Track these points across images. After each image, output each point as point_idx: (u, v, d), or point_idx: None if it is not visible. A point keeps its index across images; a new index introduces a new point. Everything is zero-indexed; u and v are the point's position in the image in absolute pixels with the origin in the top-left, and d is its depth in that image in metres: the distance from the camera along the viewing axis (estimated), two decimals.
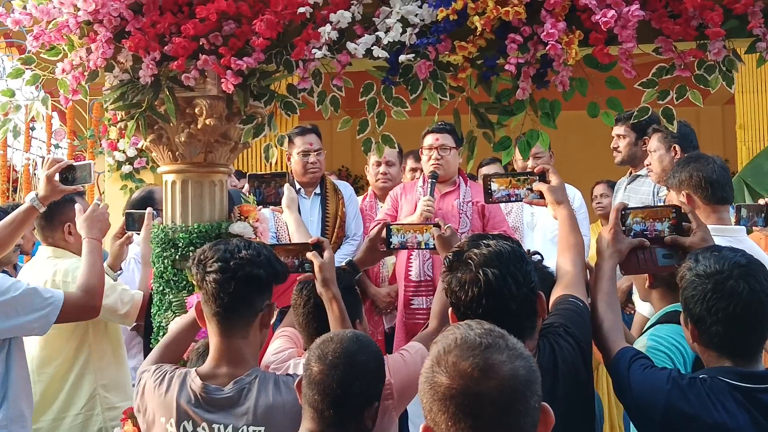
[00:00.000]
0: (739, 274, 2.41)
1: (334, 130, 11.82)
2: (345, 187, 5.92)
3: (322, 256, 3.13)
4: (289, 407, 2.65)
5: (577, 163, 9.45)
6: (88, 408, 4.17)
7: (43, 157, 8.81)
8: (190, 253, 3.30)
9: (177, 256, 3.66)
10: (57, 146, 9.85)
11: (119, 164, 7.79)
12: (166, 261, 3.69)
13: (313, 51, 3.27)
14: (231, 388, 2.68)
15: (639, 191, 5.45)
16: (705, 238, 2.89)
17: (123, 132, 7.18)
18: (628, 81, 3.22)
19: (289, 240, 4.31)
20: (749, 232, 3.89)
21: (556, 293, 2.81)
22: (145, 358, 3.25)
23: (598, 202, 6.94)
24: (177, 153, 3.73)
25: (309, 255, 3.15)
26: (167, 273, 3.69)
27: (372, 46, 3.24)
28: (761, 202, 3.70)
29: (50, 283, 4.00)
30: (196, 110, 3.59)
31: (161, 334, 3.65)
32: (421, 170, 5.53)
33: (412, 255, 5.10)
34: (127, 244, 4.48)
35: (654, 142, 5.05)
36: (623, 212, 2.99)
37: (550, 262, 3.20)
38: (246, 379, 2.69)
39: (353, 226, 5.72)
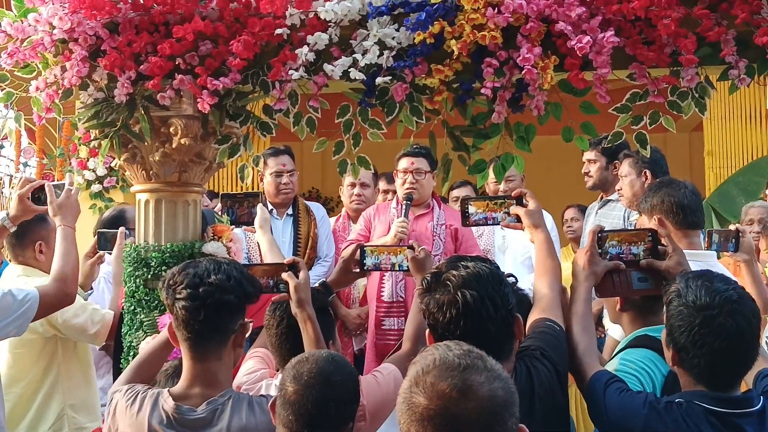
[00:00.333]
0: (728, 311, 2.38)
1: (305, 151, 11.82)
2: (317, 209, 5.91)
3: (297, 277, 3.12)
4: (263, 428, 2.62)
5: (546, 188, 9.49)
6: (56, 428, 4.11)
7: (11, 176, 8.71)
8: (163, 273, 3.27)
9: (149, 276, 3.64)
10: (26, 164, 9.76)
11: (89, 183, 7.72)
12: (138, 280, 3.67)
13: (290, 72, 3.28)
14: (204, 409, 2.65)
15: (610, 216, 5.48)
16: (680, 262, 2.91)
17: (95, 151, 7.14)
18: (602, 106, 3.25)
19: (261, 260, 4.30)
20: (719, 257, 3.93)
21: (533, 317, 2.81)
22: (114, 379, 3.21)
23: (569, 226, 6.97)
24: (151, 172, 3.72)
25: (284, 275, 3.13)
26: (139, 292, 3.67)
27: (349, 68, 3.25)
28: (732, 227, 3.75)
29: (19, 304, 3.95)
30: (171, 129, 3.59)
31: (132, 354, 3.62)
32: (394, 192, 5.53)
33: (384, 276, 5.09)
34: (98, 263, 4.44)
35: (625, 167, 5.09)
36: (600, 235, 3.00)
37: (521, 285, 3.20)
38: (219, 399, 2.66)
39: (325, 248, 5.71)
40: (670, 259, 2.93)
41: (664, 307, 2.54)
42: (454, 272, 2.45)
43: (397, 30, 3.27)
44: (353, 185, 5.89)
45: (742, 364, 2.47)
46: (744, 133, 8.72)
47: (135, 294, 3.68)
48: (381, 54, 3.25)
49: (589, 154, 5.61)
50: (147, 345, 3.17)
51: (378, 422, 2.98)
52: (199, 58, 3.37)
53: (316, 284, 3.48)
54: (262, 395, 2.83)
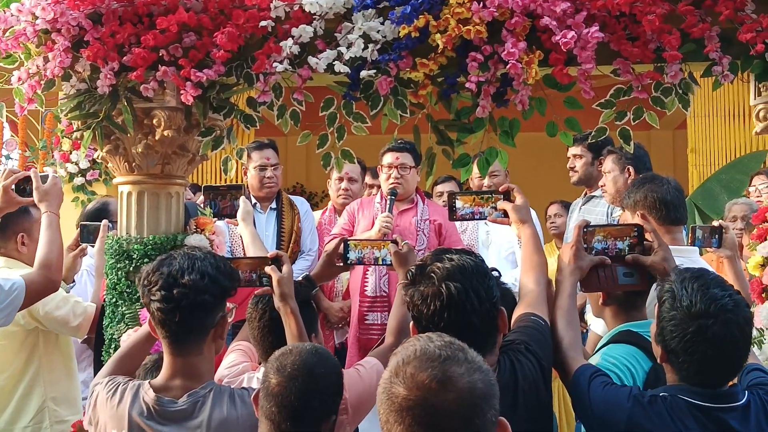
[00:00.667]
0: (723, 321, 2.36)
1: (290, 146, 11.81)
2: (301, 203, 5.89)
3: (280, 271, 3.12)
4: (244, 421, 2.62)
5: (530, 184, 9.51)
6: (37, 421, 4.09)
7: None
8: (145, 266, 3.26)
9: (131, 268, 3.62)
10: (8, 157, 9.69)
11: (71, 176, 7.67)
12: (119, 273, 3.65)
13: (274, 65, 3.27)
14: (185, 401, 2.64)
15: (594, 212, 5.49)
16: (666, 258, 2.91)
17: (78, 143, 7.09)
18: (587, 101, 3.26)
19: (244, 253, 4.28)
20: (701, 253, 3.94)
21: (519, 311, 2.81)
22: (95, 372, 3.19)
23: (552, 222, 6.98)
24: (134, 164, 3.70)
25: (268, 269, 3.12)
26: (120, 285, 3.65)
27: (333, 61, 3.25)
28: (715, 223, 3.76)
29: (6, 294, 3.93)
30: (154, 121, 3.57)
31: (113, 346, 3.61)
32: (378, 187, 5.53)
33: (368, 270, 5.10)
34: (80, 256, 4.42)
35: (608, 164, 5.11)
36: (585, 230, 3.00)
37: (504, 280, 3.20)
38: (200, 392, 2.65)
39: (308, 242, 5.70)
40: (655, 254, 2.93)
41: (656, 305, 2.53)
42: (439, 264, 2.45)
43: (382, 23, 3.27)
44: (341, 179, 5.88)
45: (732, 371, 2.47)
46: (727, 130, 8.77)
47: (117, 286, 3.66)
48: (366, 47, 3.25)
49: (575, 149, 5.62)
50: (129, 338, 3.16)
51: (360, 416, 2.98)
52: (183, 49, 3.36)
53: (299, 278, 3.47)
54: (243, 388, 2.82)
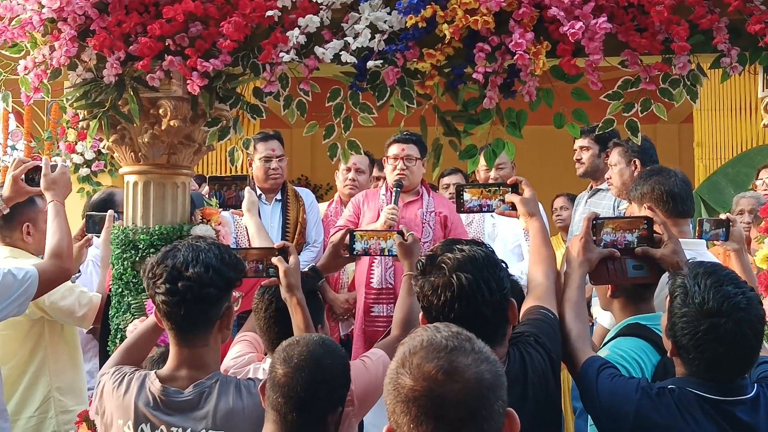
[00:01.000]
0: (736, 320, 2.36)
1: (295, 139, 11.79)
2: (306, 194, 5.90)
3: (287, 261, 3.11)
4: (250, 411, 2.62)
5: (536, 177, 9.51)
6: (42, 411, 4.10)
7: None
8: (151, 256, 3.25)
9: (137, 258, 3.62)
10: (14, 148, 9.69)
11: (77, 167, 7.67)
12: (125, 263, 3.65)
13: (281, 55, 3.26)
14: (191, 392, 2.64)
15: (600, 205, 5.49)
16: (676, 250, 2.90)
17: (83, 134, 7.09)
18: (594, 93, 3.25)
19: (249, 244, 4.28)
20: (708, 246, 3.93)
21: (528, 304, 2.80)
22: (100, 362, 3.19)
23: (558, 215, 6.98)
24: (140, 154, 3.69)
25: (274, 260, 3.12)
26: (126, 275, 3.65)
27: (340, 51, 3.24)
28: (722, 216, 3.74)
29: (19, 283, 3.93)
30: (161, 111, 3.56)
31: (119, 337, 3.61)
32: (384, 179, 5.52)
33: (374, 262, 5.09)
34: (86, 246, 4.41)
35: (614, 156, 5.09)
36: (594, 222, 2.99)
37: (511, 272, 3.19)
38: (207, 382, 2.66)
39: (313, 233, 5.70)
40: (665, 247, 2.93)
41: (667, 298, 2.51)
42: (450, 255, 2.44)
43: (389, 13, 3.25)
44: (348, 170, 5.88)
45: (743, 368, 2.46)
46: (733, 124, 8.75)
47: (123, 276, 3.66)
48: (372, 37, 3.23)
49: (582, 141, 5.61)
50: (136, 329, 3.16)
51: (366, 407, 2.98)
52: (189, 39, 3.35)
53: (305, 269, 3.47)
54: (249, 378, 2.83)
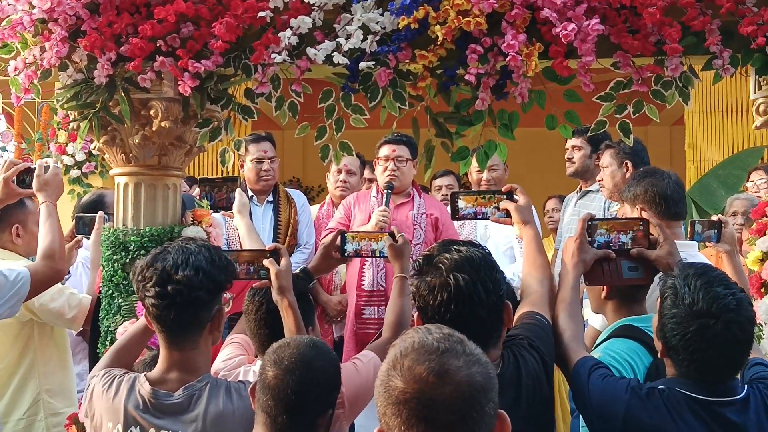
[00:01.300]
0: (726, 321, 2.35)
1: (286, 140, 11.78)
2: (298, 196, 5.88)
3: (278, 264, 3.10)
4: (240, 414, 2.61)
5: (529, 179, 9.53)
6: (31, 413, 4.08)
7: None
8: (141, 258, 3.24)
9: (127, 260, 3.60)
10: (4, 149, 9.66)
11: (67, 168, 7.65)
12: (116, 264, 3.63)
13: (273, 56, 3.25)
14: (181, 394, 2.63)
15: (589, 207, 5.48)
16: (671, 252, 2.90)
17: (74, 135, 7.07)
18: (586, 95, 3.24)
19: (240, 246, 4.27)
20: (699, 248, 3.93)
21: (522, 309, 2.80)
22: (90, 364, 3.17)
23: (550, 217, 6.99)
24: (130, 155, 3.68)
25: (266, 262, 3.10)
26: (117, 277, 3.64)
27: (332, 52, 3.23)
28: (714, 218, 3.75)
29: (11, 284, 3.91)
30: (152, 112, 3.55)
31: (109, 339, 3.60)
32: (375, 181, 5.52)
33: (365, 264, 5.08)
34: (76, 248, 4.40)
35: (606, 158, 5.10)
36: (590, 223, 2.99)
37: None
38: (197, 385, 2.64)
39: (305, 235, 5.68)
40: (660, 248, 2.92)
41: (658, 300, 2.51)
42: (447, 255, 2.44)
43: (382, 14, 3.25)
44: (339, 171, 5.87)
45: (733, 369, 2.46)
46: (725, 126, 8.78)
47: (113, 278, 3.64)
48: (365, 38, 3.23)
49: (574, 141, 5.61)
50: (126, 331, 3.14)
51: (357, 410, 2.97)
52: (181, 40, 3.34)
53: (296, 270, 3.46)
54: (240, 381, 2.81)
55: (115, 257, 3.64)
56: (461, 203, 3.24)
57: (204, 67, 3.29)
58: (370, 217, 5.07)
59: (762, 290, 3.62)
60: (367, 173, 6.13)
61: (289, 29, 3.25)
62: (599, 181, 5.21)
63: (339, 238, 3.39)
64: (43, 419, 4.12)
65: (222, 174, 7.37)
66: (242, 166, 5.75)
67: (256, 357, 3.21)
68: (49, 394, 4.15)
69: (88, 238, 4.30)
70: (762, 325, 3.53)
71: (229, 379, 2.88)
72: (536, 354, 2.57)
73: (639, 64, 3.20)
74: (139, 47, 3.30)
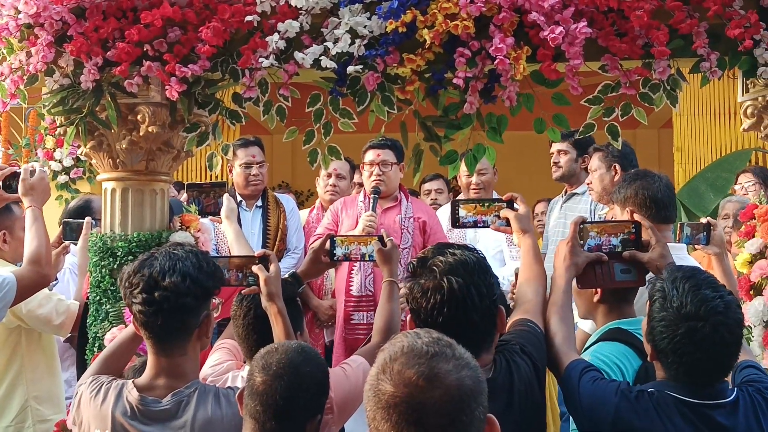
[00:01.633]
0: (714, 324, 2.35)
1: (275, 144, 11.76)
2: (287, 201, 5.86)
3: (268, 270, 3.08)
4: (228, 420, 2.59)
5: (517, 183, 9.55)
6: (19, 420, 4.05)
7: None
8: (129, 263, 3.22)
9: (115, 266, 3.59)
10: None
11: (55, 174, 7.63)
12: (103, 270, 3.62)
13: (260, 60, 3.25)
14: (169, 401, 2.61)
15: (575, 209, 5.49)
16: (663, 254, 2.90)
17: (62, 141, 7.05)
18: (574, 98, 3.25)
19: (229, 251, 4.26)
20: (689, 251, 3.93)
21: (516, 316, 2.79)
22: (78, 370, 3.15)
23: (539, 220, 6.99)
24: (117, 160, 3.67)
25: (255, 268, 3.08)
26: (104, 283, 3.62)
27: (320, 56, 3.23)
28: (703, 220, 3.75)
29: None
30: (139, 117, 3.54)
31: (97, 345, 3.58)
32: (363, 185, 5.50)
33: (353, 270, 5.07)
34: (63, 253, 4.37)
35: (595, 161, 5.10)
36: (581, 227, 2.99)
37: None
38: (185, 391, 2.62)
39: (294, 240, 5.66)
40: (653, 251, 2.92)
41: (647, 304, 2.51)
42: (441, 258, 2.43)
43: (369, 18, 3.25)
44: (329, 176, 5.85)
45: (721, 372, 2.45)
46: (713, 129, 8.80)
47: (100, 284, 3.63)
48: (352, 42, 3.23)
49: (560, 145, 5.62)
50: (115, 338, 3.12)
51: (346, 415, 2.95)
52: (168, 44, 3.33)
53: (285, 275, 3.45)
54: (229, 387, 2.80)
55: (102, 263, 3.62)
56: (462, 212, 3.24)
57: (191, 72, 3.28)
58: (357, 222, 5.05)
59: (751, 293, 3.63)
60: (356, 177, 6.12)
61: (276, 33, 3.25)
62: (588, 184, 5.21)
63: (328, 243, 3.38)
64: (31, 426, 4.09)
65: (210, 179, 7.34)
66: (231, 171, 5.74)
67: (245, 362, 3.20)
68: (37, 400, 4.12)
69: (75, 244, 4.28)
70: (751, 328, 3.53)
71: (217, 385, 2.87)
72: (528, 360, 2.57)
73: (627, 67, 3.22)
74: (125, 52, 3.29)
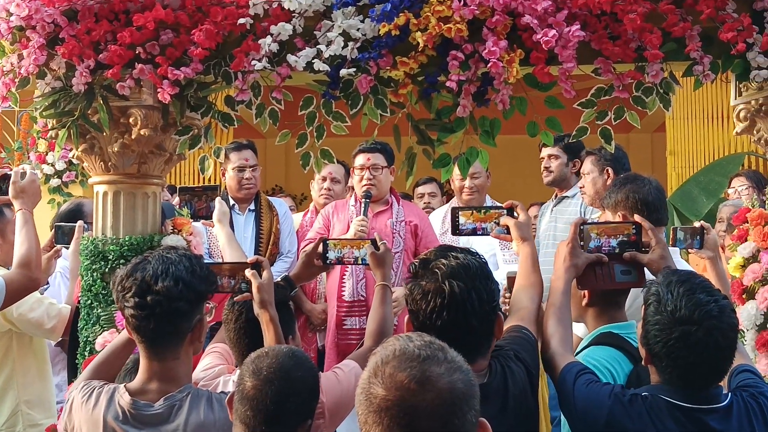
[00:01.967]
0: (708, 327, 2.35)
1: (269, 148, 11.75)
2: (280, 204, 5.85)
3: (260, 276, 3.07)
4: (221, 425, 2.58)
5: (510, 187, 9.57)
6: (10, 425, 4.03)
7: None
8: (121, 267, 3.21)
9: (107, 269, 3.58)
10: None
11: (47, 178, 7.62)
12: (95, 274, 3.61)
13: (253, 63, 3.25)
14: (161, 405, 2.60)
15: (565, 212, 5.50)
16: (664, 255, 2.90)
17: (53, 143, 7.03)
18: (567, 101, 3.25)
19: (221, 254, 4.25)
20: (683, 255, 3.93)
21: (510, 323, 2.79)
22: (69, 374, 3.13)
23: (532, 224, 6.97)
24: (109, 163, 3.66)
25: (248, 274, 3.07)
26: (96, 286, 3.61)
27: (313, 59, 3.23)
28: (696, 224, 3.75)
29: None
30: (131, 120, 3.53)
31: (88, 349, 3.57)
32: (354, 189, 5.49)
33: (345, 275, 5.05)
34: (55, 257, 4.36)
35: (587, 165, 5.10)
36: (582, 228, 2.99)
37: None
38: (177, 395, 2.61)
39: (287, 244, 5.65)
40: (653, 252, 2.93)
41: (642, 307, 2.51)
42: (444, 261, 2.43)
43: (362, 21, 3.24)
44: (324, 179, 5.84)
45: (715, 376, 2.45)
46: (706, 133, 8.80)
47: (92, 288, 3.62)
48: (345, 45, 3.22)
49: (551, 149, 5.62)
50: (109, 344, 3.11)
51: (338, 419, 2.94)
52: (160, 47, 3.32)
53: (278, 279, 3.44)
54: (222, 392, 2.79)
55: (94, 266, 3.61)
56: (462, 219, 3.24)
57: (183, 75, 3.28)
58: (348, 227, 5.04)
59: (744, 296, 3.63)
60: (351, 181, 6.11)
61: (269, 36, 3.24)
62: (581, 187, 5.22)
63: (321, 246, 3.37)
64: (23, 430, 4.07)
65: (202, 182, 7.33)
66: (223, 175, 5.73)
67: (236, 366, 3.19)
68: (28, 405, 4.11)
69: (67, 248, 4.26)
70: (744, 332, 3.53)
71: (209, 389, 2.86)
72: (522, 365, 2.57)
73: (620, 70, 3.21)
74: (117, 55, 3.29)
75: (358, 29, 3.22)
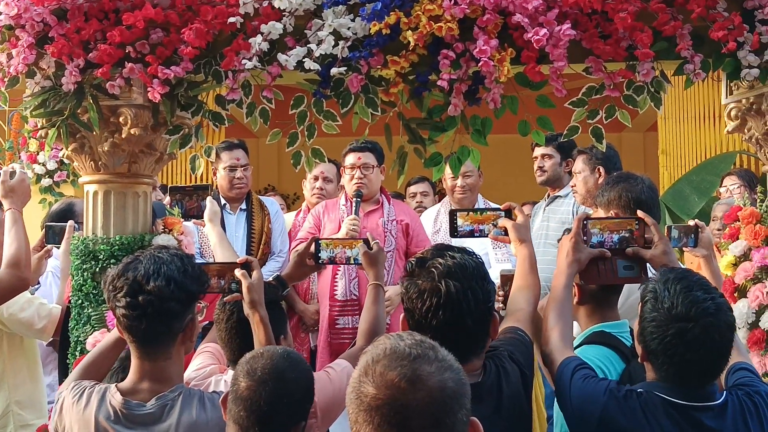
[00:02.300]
0: (704, 325, 2.35)
1: (261, 148, 11.74)
2: (271, 204, 5.84)
3: (250, 276, 3.06)
4: (213, 425, 2.58)
5: (502, 186, 9.57)
6: (1, 425, 4.02)
7: None
8: (112, 266, 3.20)
9: (97, 269, 3.57)
10: None
11: (38, 177, 7.60)
12: (85, 274, 3.60)
13: (243, 62, 3.24)
14: (153, 404, 2.59)
15: (558, 211, 5.52)
16: (666, 251, 2.90)
17: (44, 142, 7.02)
18: (558, 100, 3.25)
19: (212, 254, 4.24)
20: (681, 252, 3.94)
21: (506, 324, 2.78)
22: (60, 375, 3.12)
23: None
24: (100, 163, 3.65)
25: (238, 274, 3.06)
26: (86, 286, 3.60)
27: (303, 58, 3.22)
28: (691, 223, 3.75)
29: None
30: (121, 119, 3.52)
31: (79, 349, 3.56)
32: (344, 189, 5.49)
33: (337, 274, 5.05)
34: (45, 257, 4.34)
35: (579, 164, 5.11)
36: (585, 223, 2.99)
37: None
38: (169, 395, 2.61)
39: (278, 243, 5.64)
40: (655, 248, 2.92)
41: (639, 304, 2.51)
42: (440, 260, 2.42)
43: (353, 20, 3.24)
44: (316, 179, 5.83)
45: (711, 374, 2.45)
46: (697, 132, 8.81)
47: (83, 288, 3.61)
48: (336, 44, 3.22)
49: (544, 149, 5.63)
50: (98, 344, 3.10)
51: (330, 419, 2.94)
52: (150, 46, 3.31)
53: (270, 278, 3.43)
54: (214, 392, 2.78)
55: (84, 266, 3.60)
56: (459, 221, 3.24)
57: (174, 74, 3.27)
58: (340, 227, 5.04)
59: (735, 295, 3.63)
60: (342, 180, 6.11)
61: (259, 35, 3.23)
62: (572, 186, 5.23)
63: (313, 245, 3.37)
64: (14, 431, 4.06)
65: (193, 182, 7.31)
66: (215, 174, 5.72)
67: (228, 366, 3.18)
68: (19, 405, 4.09)
69: (57, 248, 4.25)
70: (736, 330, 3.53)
71: (201, 389, 2.85)
72: (516, 366, 2.57)
73: (611, 69, 3.22)
74: (107, 54, 3.28)
75: (348, 28, 3.22)
